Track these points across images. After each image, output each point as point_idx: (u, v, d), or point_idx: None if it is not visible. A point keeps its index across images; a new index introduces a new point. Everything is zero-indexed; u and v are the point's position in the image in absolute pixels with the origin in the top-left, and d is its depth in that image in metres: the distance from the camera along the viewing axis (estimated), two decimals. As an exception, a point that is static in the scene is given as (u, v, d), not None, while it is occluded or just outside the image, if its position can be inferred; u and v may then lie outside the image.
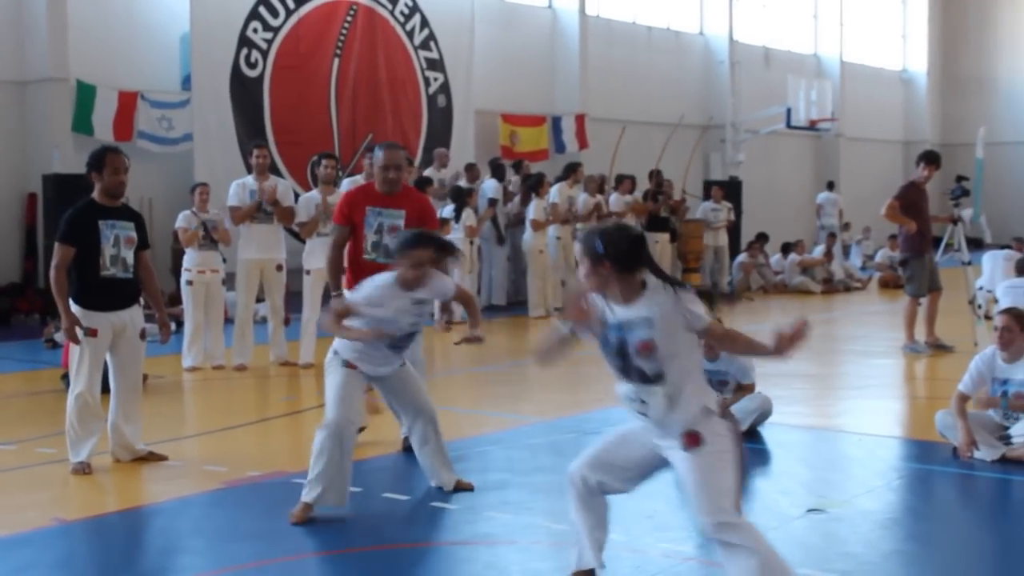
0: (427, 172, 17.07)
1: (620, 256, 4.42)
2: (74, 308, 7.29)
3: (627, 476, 4.77)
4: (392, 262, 6.72)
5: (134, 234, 7.46)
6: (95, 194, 7.44)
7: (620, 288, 4.46)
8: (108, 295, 7.33)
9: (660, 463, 4.69)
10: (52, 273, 7.31)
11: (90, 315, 7.28)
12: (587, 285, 4.51)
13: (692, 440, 4.43)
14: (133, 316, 7.44)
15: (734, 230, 22.96)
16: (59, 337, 12.99)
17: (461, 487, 6.71)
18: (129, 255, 7.42)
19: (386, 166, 7.44)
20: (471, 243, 15.82)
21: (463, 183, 17.43)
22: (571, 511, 4.82)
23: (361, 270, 7.22)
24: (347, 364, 6.28)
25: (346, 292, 7.18)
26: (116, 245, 7.35)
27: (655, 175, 19.71)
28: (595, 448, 4.84)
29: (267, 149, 12.03)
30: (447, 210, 15.44)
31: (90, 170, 7.47)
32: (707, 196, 21.20)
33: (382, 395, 6.77)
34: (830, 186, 26.86)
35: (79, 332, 7.23)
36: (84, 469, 7.22)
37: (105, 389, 7.50)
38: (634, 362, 4.48)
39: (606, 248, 4.42)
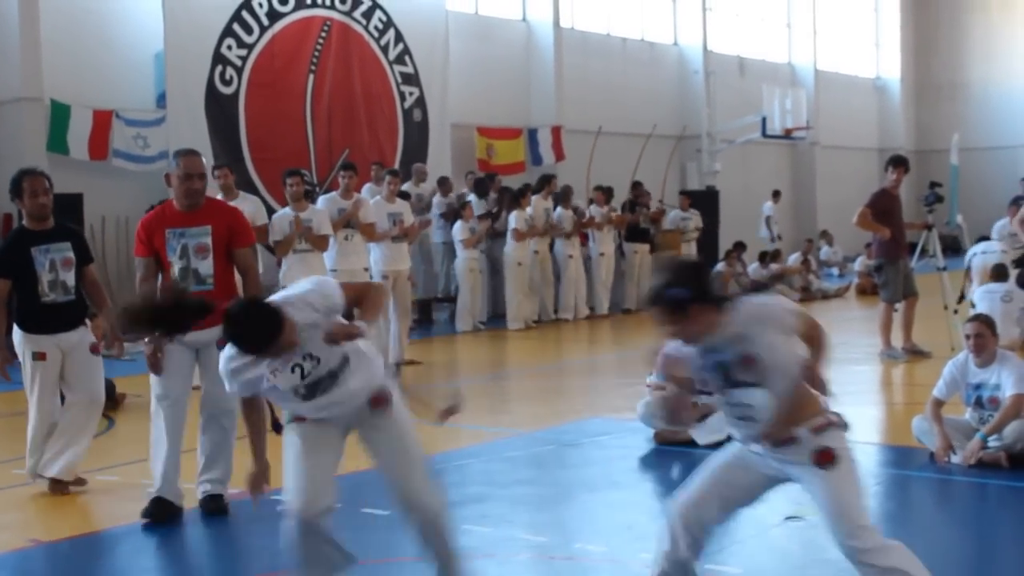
0: (405, 187, 17.08)
1: (702, 290, 4.11)
2: (19, 333, 7.17)
3: (730, 502, 4.44)
4: (205, 288, 6.42)
5: (71, 254, 7.26)
6: (24, 220, 7.29)
7: (709, 322, 4.12)
8: (51, 320, 7.20)
9: (770, 485, 4.43)
10: None
11: (36, 339, 7.15)
12: (682, 341, 4.18)
13: (826, 457, 4.15)
14: (82, 336, 7.30)
15: (712, 239, 23.07)
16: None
17: None
18: (69, 277, 7.23)
19: (188, 174, 6.58)
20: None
21: (438, 197, 17.50)
22: None
23: None
24: (295, 418, 4.89)
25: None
26: (53, 270, 7.17)
27: (634, 186, 19.80)
28: (694, 484, 4.48)
29: (228, 169, 11.91)
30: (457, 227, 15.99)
31: (12, 196, 7.29)
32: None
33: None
34: (775, 196, 26.15)
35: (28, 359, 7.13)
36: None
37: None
38: (738, 376, 4.19)
39: (691, 290, 4.09)
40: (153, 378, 6.58)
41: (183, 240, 6.55)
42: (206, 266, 6.56)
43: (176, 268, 6.53)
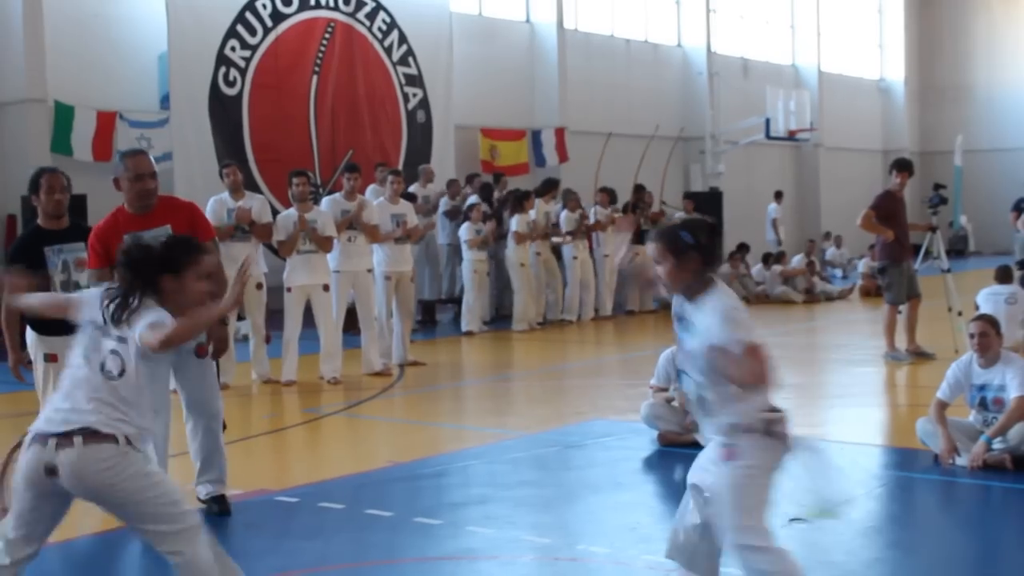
0: (412, 188, 17.11)
1: (706, 247, 4.28)
2: (31, 334, 7.01)
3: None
4: None
5: (85, 255, 6.97)
6: (39, 218, 7.12)
7: (694, 282, 4.28)
8: (63, 321, 7.13)
9: None
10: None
11: (49, 340, 6.96)
12: (666, 279, 4.31)
13: (729, 454, 4.26)
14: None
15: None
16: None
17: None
18: (82, 277, 7.02)
19: (139, 175, 6.38)
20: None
21: (445, 199, 17.52)
22: None
23: None
24: None
25: None
26: (65, 270, 7.01)
27: (637, 188, 19.79)
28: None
29: (235, 167, 11.97)
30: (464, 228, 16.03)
31: (29, 192, 7.12)
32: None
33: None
34: (778, 196, 26.07)
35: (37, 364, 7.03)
36: None
37: None
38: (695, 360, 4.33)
39: (696, 238, 4.26)
40: None
41: None
42: None
43: None
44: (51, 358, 7.00)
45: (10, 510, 4.40)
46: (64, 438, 4.18)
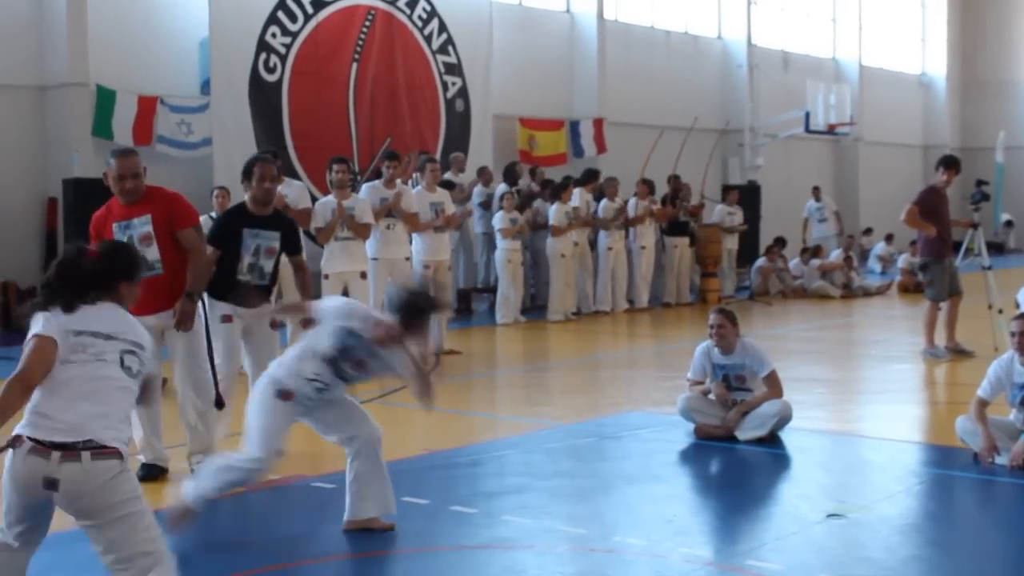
0: (445, 176, 17.11)
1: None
2: (208, 300, 7.40)
3: None
4: (155, 274, 6.82)
5: (276, 244, 7.59)
6: (247, 200, 7.65)
7: None
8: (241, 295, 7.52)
9: None
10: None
11: (224, 305, 7.48)
12: None
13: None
14: (261, 312, 7.46)
15: (753, 234, 22.97)
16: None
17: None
18: (268, 264, 7.58)
19: (121, 175, 6.96)
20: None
21: (479, 187, 17.52)
22: None
23: None
24: (283, 394, 5.72)
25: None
26: (256, 254, 7.53)
27: (673, 179, 19.72)
28: None
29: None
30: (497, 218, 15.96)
31: (243, 178, 7.71)
32: (725, 200, 21.20)
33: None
34: (815, 194, 25.27)
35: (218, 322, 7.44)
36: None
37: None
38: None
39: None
40: None
41: (128, 232, 6.96)
42: (152, 252, 6.93)
43: None
44: (227, 318, 7.52)
45: None
46: (70, 451, 4.04)
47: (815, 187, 25.69)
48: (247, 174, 7.62)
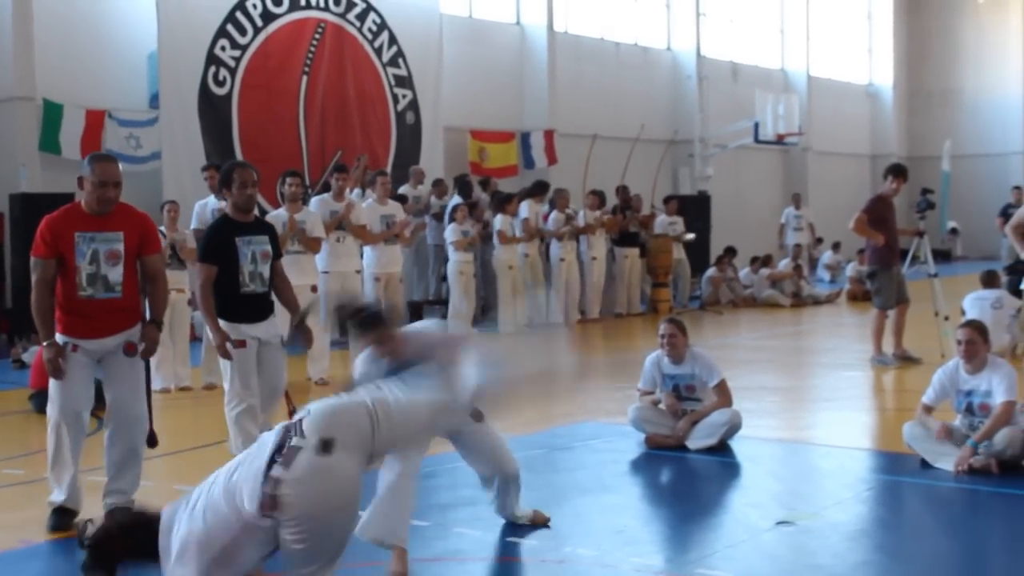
0: (402, 190, 17.11)
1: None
2: (225, 322, 7.32)
3: None
4: (114, 296, 6.47)
5: (269, 248, 7.49)
6: (228, 209, 7.54)
7: None
8: (249, 309, 7.40)
9: None
10: (198, 292, 7.40)
11: (236, 327, 7.34)
12: None
13: None
14: (268, 328, 7.45)
15: (703, 244, 23.09)
16: (27, 357, 12.91)
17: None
18: (266, 269, 7.46)
19: (103, 182, 6.49)
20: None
21: (434, 199, 17.51)
22: None
23: (76, 310, 6.44)
24: None
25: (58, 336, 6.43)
26: (254, 261, 7.40)
27: (621, 190, 19.82)
28: None
29: (215, 169, 11.90)
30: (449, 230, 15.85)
31: (221, 186, 7.64)
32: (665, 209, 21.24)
33: None
34: (795, 201, 26.06)
35: (228, 346, 7.29)
36: None
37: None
38: None
39: None
40: (54, 389, 6.48)
41: (93, 245, 6.46)
42: (116, 273, 6.50)
43: (84, 273, 6.42)
44: (240, 344, 7.35)
45: None
46: None
47: (795, 194, 26.17)
48: (226, 182, 7.46)
